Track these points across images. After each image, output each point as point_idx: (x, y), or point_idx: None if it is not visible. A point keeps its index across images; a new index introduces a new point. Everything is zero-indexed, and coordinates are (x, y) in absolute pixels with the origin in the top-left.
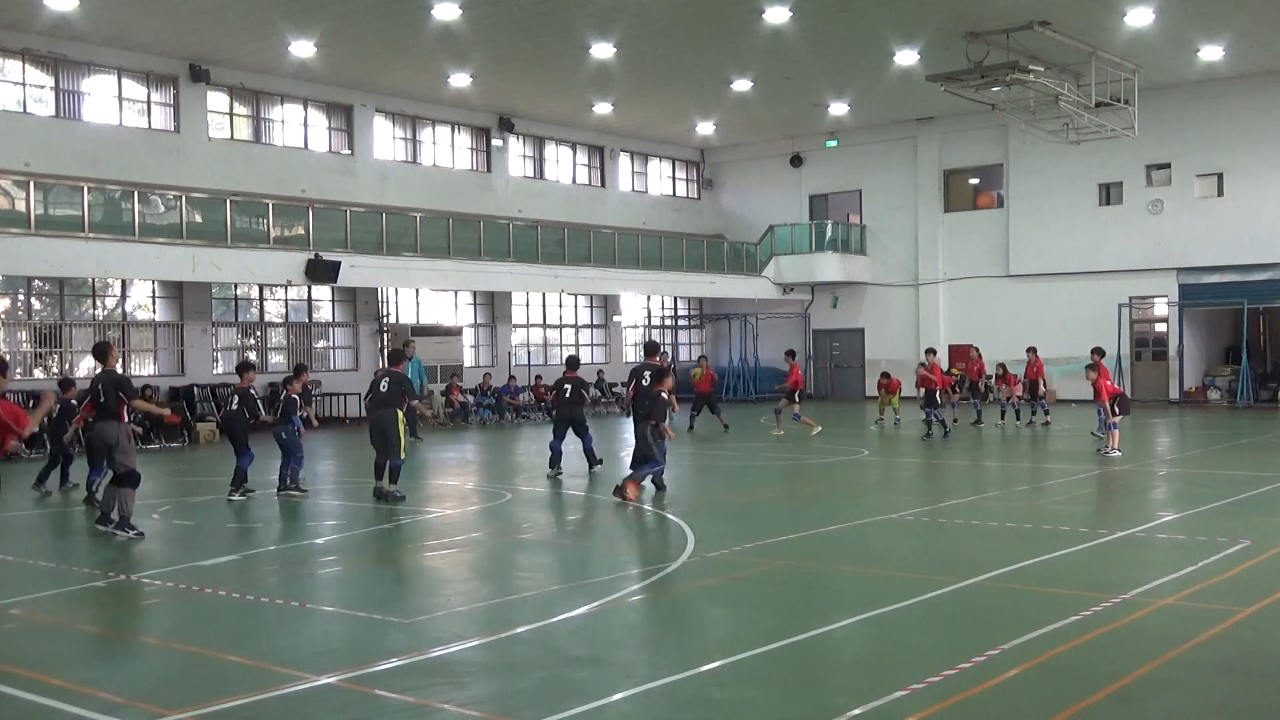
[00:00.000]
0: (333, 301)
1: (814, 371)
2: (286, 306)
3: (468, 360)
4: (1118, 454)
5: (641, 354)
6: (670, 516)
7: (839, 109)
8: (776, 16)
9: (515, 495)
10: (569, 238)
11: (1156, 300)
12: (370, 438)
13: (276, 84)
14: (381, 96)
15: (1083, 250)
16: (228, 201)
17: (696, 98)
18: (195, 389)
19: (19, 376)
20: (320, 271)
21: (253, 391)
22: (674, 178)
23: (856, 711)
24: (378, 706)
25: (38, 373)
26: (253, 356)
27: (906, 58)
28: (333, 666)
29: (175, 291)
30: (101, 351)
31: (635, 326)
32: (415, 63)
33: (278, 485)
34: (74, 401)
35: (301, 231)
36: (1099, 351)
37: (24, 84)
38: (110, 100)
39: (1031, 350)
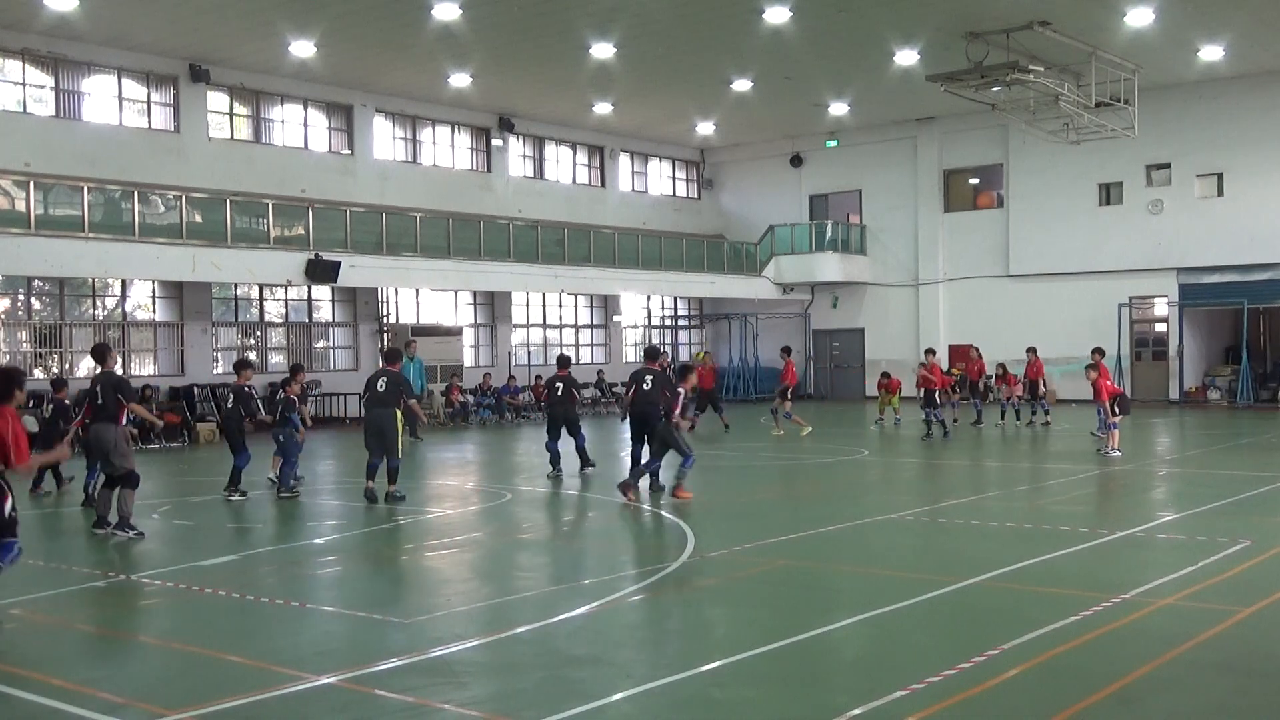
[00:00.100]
0: (333, 301)
1: (814, 372)
2: (286, 306)
3: (468, 360)
4: (1118, 454)
5: (642, 357)
6: (670, 516)
7: (839, 109)
8: (776, 16)
9: (515, 495)
10: (569, 238)
11: (1156, 300)
12: (365, 438)
13: (276, 84)
14: (381, 96)
15: (1083, 250)
16: (228, 201)
17: (696, 98)
18: (195, 389)
19: None
20: (320, 271)
21: (248, 390)
22: (674, 178)
23: (856, 711)
24: (378, 706)
25: (38, 373)
26: (252, 356)
27: (906, 58)
28: (333, 666)
29: (175, 291)
30: (100, 353)
31: (635, 326)
32: (415, 63)
33: (279, 487)
34: (66, 401)
35: (301, 231)
36: (1099, 351)
37: (24, 84)
38: (110, 100)
39: (1031, 350)
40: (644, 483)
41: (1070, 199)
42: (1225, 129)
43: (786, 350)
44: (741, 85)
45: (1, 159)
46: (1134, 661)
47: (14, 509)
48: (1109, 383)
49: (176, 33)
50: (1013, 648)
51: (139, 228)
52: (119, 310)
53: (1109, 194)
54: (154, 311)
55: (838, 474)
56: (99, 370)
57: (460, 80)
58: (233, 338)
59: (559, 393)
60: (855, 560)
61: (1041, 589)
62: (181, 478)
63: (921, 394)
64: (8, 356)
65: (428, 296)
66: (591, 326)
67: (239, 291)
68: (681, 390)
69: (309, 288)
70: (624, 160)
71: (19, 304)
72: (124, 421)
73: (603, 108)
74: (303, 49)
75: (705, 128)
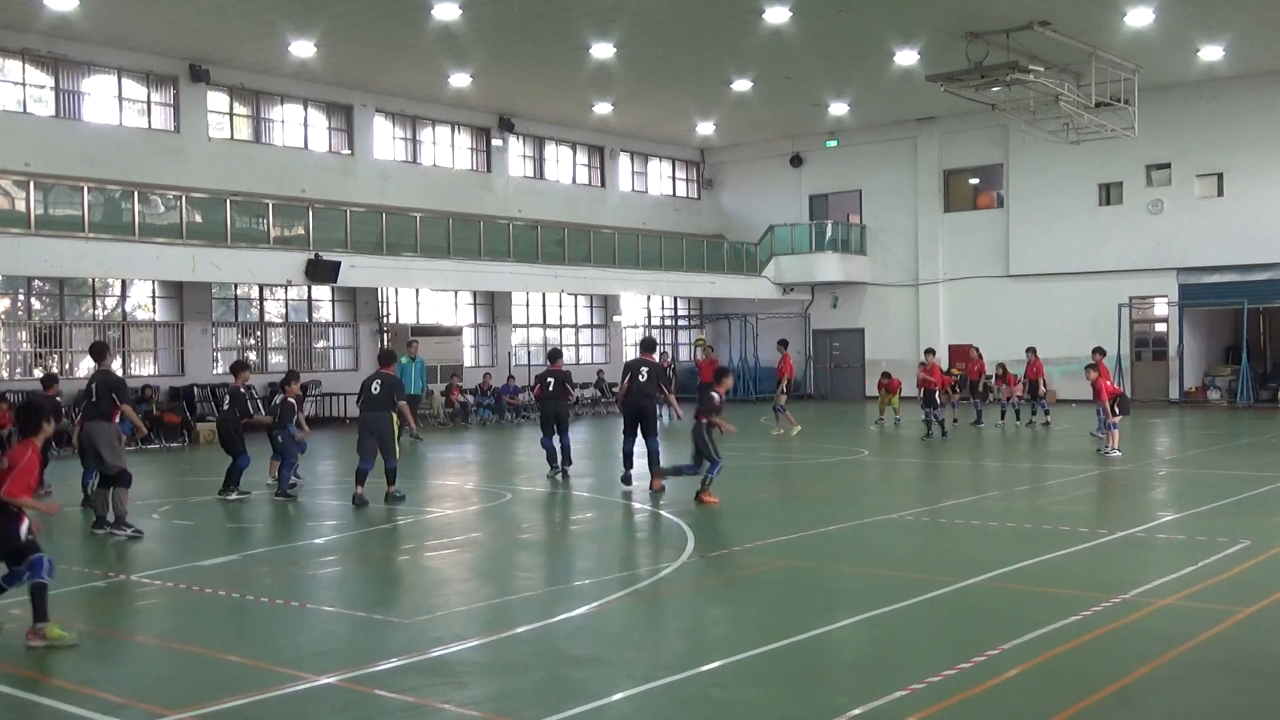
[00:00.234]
0: (333, 301)
1: (814, 372)
2: (286, 306)
3: (468, 360)
4: (1118, 454)
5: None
6: (670, 516)
7: (839, 109)
8: (776, 16)
9: (515, 495)
10: (569, 238)
11: (1156, 300)
12: (359, 441)
13: (276, 84)
14: (381, 96)
15: (1083, 250)
16: (228, 201)
17: (696, 98)
18: (195, 389)
19: (19, 376)
20: (320, 271)
21: (243, 391)
22: (674, 178)
23: (856, 711)
24: (378, 706)
25: (38, 373)
26: (253, 356)
27: (906, 58)
28: (333, 666)
29: (175, 291)
30: (99, 351)
31: (635, 326)
32: (415, 63)
33: (277, 488)
34: (57, 399)
35: (301, 231)
36: (1100, 351)
37: (24, 84)
38: (110, 100)
39: (1031, 350)
40: (644, 484)
41: (1070, 199)
42: (1225, 129)
43: (783, 343)
44: (741, 85)
45: (1, 159)
46: (1134, 661)
47: (30, 532)
48: (1109, 383)
49: (176, 33)
50: (1013, 648)
51: (139, 228)
52: (119, 310)
53: (1109, 194)
54: (154, 311)
55: (838, 474)
56: (96, 368)
57: (460, 80)
58: (233, 338)
59: (550, 388)
60: (855, 560)
61: (1041, 589)
62: (181, 478)
63: (921, 394)
64: (8, 357)
65: (428, 296)
66: (591, 326)
67: (239, 291)
68: (717, 394)
69: (309, 288)
70: (624, 160)
71: (19, 304)
72: (116, 420)
73: (603, 108)
74: (303, 49)
75: (705, 128)
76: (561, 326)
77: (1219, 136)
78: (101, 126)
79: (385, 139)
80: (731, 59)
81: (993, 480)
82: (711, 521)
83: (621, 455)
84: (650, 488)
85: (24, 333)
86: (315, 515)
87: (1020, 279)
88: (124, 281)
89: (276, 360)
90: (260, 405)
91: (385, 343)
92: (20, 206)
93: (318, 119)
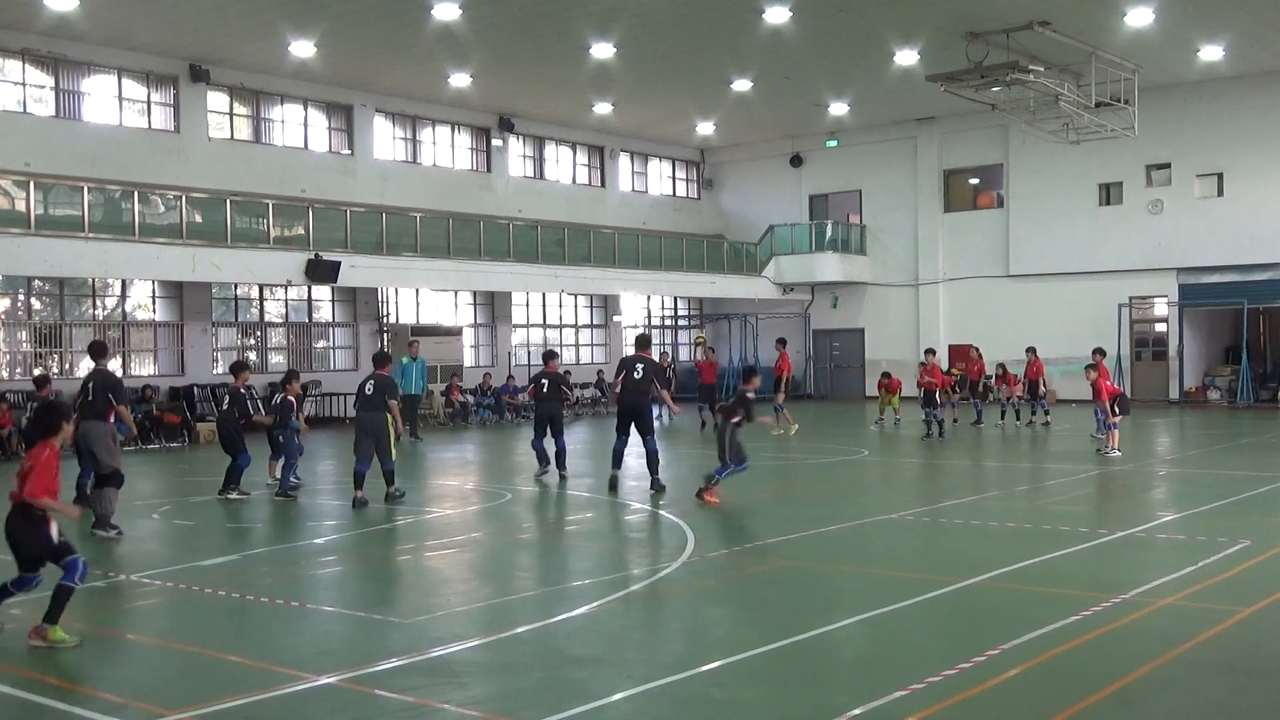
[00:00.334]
0: (333, 301)
1: (814, 372)
2: (286, 306)
3: (468, 360)
4: (1118, 454)
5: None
6: (670, 516)
7: (839, 109)
8: (776, 16)
9: (515, 495)
10: (569, 238)
11: (1156, 300)
12: (355, 442)
13: (276, 84)
14: (381, 96)
15: (1083, 250)
16: (228, 201)
17: (696, 98)
18: (195, 389)
19: (19, 376)
20: (320, 271)
21: (243, 391)
22: (674, 178)
23: (856, 711)
24: (378, 706)
25: (38, 373)
26: (253, 356)
27: (906, 58)
28: (333, 666)
29: (175, 291)
30: (98, 349)
31: (635, 327)
32: (415, 63)
33: (277, 488)
34: (50, 398)
35: (301, 231)
36: (1100, 351)
37: (24, 84)
38: (110, 100)
39: (1031, 350)
40: (640, 484)
41: (1070, 199)
42: (1225, 129)
43: (781, 341)
44: (741, 85)
45: (1, 159)
46: (1134, 661)
47: (61, 533)
48: (1109, 383)
49: (176, 33)
50: (1013, 648)
51: (139, 228)
52: (119, 310)
53: (1109, 194)
54: (154, 311)
55: (838, 474)
56: (94, 367)
57: (460, 80)
58: (233, 338)
59: (545, 389)
60: (855, 560)
61: (1041, 589)
62: (181, 478)
63: (921, 394)
64: (8, 357)
65: (428, 296)
66: (591, 326)
67: (239, 291)
68: (747, 391)
69: (309, 288)
70: (624, 160)
71: (19, 304)
72: (110, 420)
73: (603, 108)
74: (303, 49)
75: (705, 128)
76: (561, 326)
77: (1219, 136)
78: (101, 126)
79: (385, 139)
80: (731, 59)
81: (993, 480)
82: (711, 522)
83: (612, 454)
84: (701, 499)
85: (24, 333)
86: (315, 515)
87: (1020, 279)
88: (124, 281)
89: (276, 360)
90: (260, 405)
91: (385, 343)
92: (20, 206)
93: (318, 119)
